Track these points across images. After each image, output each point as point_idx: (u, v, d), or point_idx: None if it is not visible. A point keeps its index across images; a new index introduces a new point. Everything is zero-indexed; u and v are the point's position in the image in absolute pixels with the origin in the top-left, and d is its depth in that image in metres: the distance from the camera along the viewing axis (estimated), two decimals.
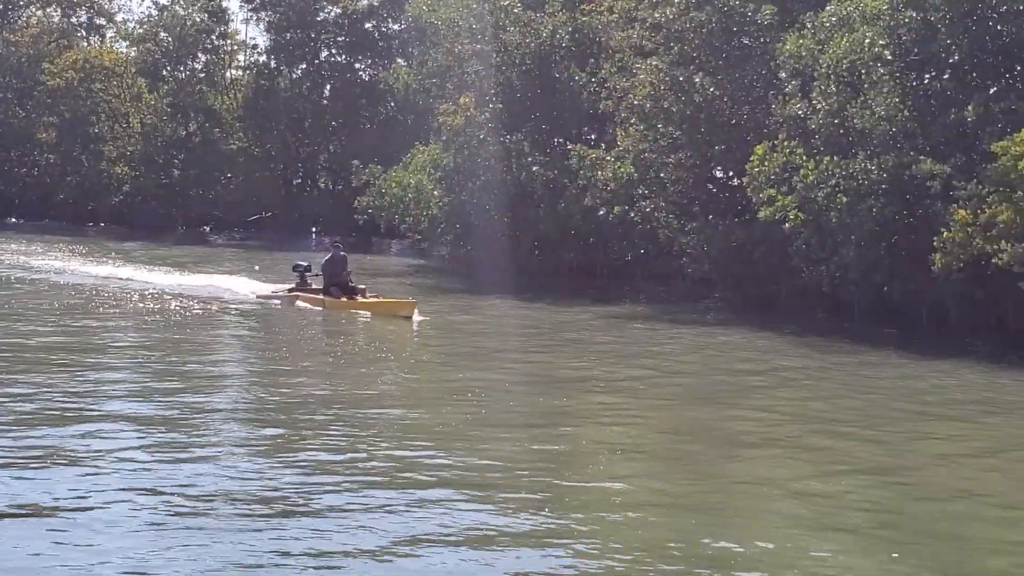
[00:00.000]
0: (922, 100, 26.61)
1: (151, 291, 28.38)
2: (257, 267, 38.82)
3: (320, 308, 25.08)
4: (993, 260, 22.85)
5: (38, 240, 45.78)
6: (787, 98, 28.46)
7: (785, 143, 27.91)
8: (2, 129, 52.53)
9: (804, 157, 27.24)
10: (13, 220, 53.97)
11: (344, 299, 24.97)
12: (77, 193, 54.55)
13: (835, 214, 26.40)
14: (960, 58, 26.54)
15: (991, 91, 26.30)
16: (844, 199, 26.17)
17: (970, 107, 25.13)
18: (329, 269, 25.83)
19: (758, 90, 31.10)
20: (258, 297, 26.92)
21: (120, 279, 31.42)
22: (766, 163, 27.86)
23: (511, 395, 17.49)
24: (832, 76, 27.02)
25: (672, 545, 9.99)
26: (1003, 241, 22.55)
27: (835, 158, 26.70)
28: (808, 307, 29.22)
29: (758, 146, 28.41)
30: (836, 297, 28.27)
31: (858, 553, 10.19)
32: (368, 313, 24.39)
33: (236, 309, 25.66)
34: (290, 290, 26.42)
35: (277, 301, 26.11)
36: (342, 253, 26.27)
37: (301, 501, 10.54)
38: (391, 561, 9.20)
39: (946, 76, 26.89)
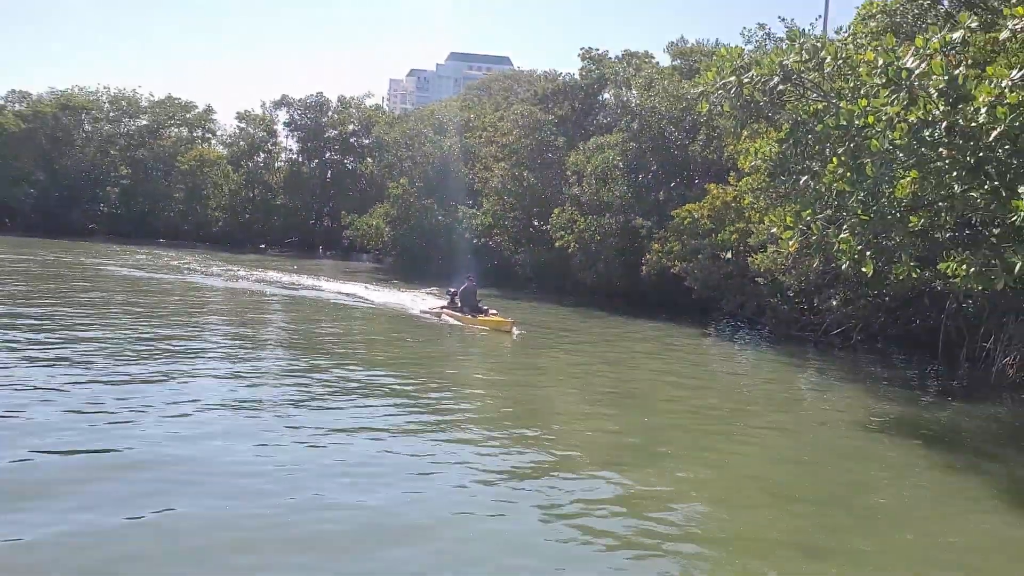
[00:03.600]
0: (638, 188, 45.59)
1: (360, 304, 38.37)
2: (295, 266, 59.21)
3: (457, 320, 33.87)
4: (671, 271, 39.17)
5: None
6: (570, 185, 46.96)
7: (569, 208, 46.47)
8: (153, 194, 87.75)
9: (579, 215, 45.60)
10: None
11: (471, 316, 33.44)
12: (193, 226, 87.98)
13: (594, 244, 44.67)
14: (656, 168, 46.36)
15: (671, 184, 45.82)
16: (598, 237, 44.52)
17: (661, 193, 44.79)
18: (465, 296, 34.60)
19: (556, 181, 50.33)
20: (421, 312, 36.07)
21: (336, 293, 42.31)
22: (560, 217, 46.42)
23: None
24: (593, 174, 45.60)
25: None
26: (676, 261, 38.83)
27: (594, 217, 44.71)
28: (581, 292, 46.90)
29: (556, 209, 47.16)
30: (594, 287, 45.96)
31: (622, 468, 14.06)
32: (485, 327, 32.37)
33: (410, 319, 34.33)
34: (443, 307, 35.65)
35: (434, 317, 34.92)
36: (474, 283, 35.18)
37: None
38: None
39: (649, 176, 46.57)
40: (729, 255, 36.55)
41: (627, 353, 27.18)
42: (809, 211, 17.62)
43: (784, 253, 27.64)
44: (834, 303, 32.33)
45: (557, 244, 46.07)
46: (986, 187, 15.27)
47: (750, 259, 32.58)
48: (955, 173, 15.41)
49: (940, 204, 17.12)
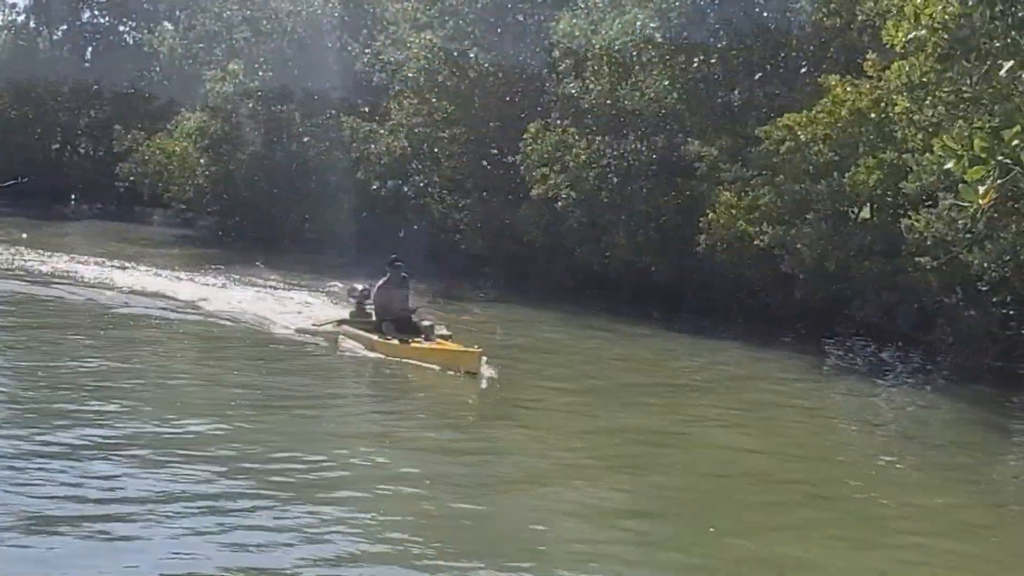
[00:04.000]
0: (690, 83, 29.52)
1: (173, 317, 24.17)
2: (24, 235, 40.21)
3: (367, 350, 20.30)
4: (755, 242, 25.68)
5: None
6: (560, 76, 31.33)
7: (558, 122, 30.73)
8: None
9: (576, 136, 30.04)
10: None
11: (396, 341, 19.97)
12: None
13: (606, 194, 29.33)
14: (727, 43, 29.40)
15: (756, 76, 29.62)
16: (615, 179, 29.28)
17: (736, 91, 28.76)
18: (383, 298, 21.03)
19: (533, 68, 33.75)
20: (299, 331, 22.04)
21: (122, 291, 27.38)
22: (539, 141, 30.42)
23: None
24: (604, 57, 29.70)
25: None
26: (765, 223, 25.41)
27: (606, 138, 29.69)
28: (579, 286, 31.83)
29: (532, 124, 31.19)
30: (606, 276, 30.75)
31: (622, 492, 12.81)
32: (430, 363, 19.35)
33: (276, 343, 21.26)
34: (341, 321, 21.80)
35: (325, 339, 21.30)
36: (403, 274, 21.19)
37: None
38: None
39: (713, 60, 29.62)
40: (866, 213, 26.00)
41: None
42: (1017, 130, 10.02)
43: (971, 210, 22.22)
44: None
45: (533, 192, 30.58)
46: None
47: (905, 222, 21.76)
48: None
49: None
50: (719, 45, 30.24)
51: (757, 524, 11.98)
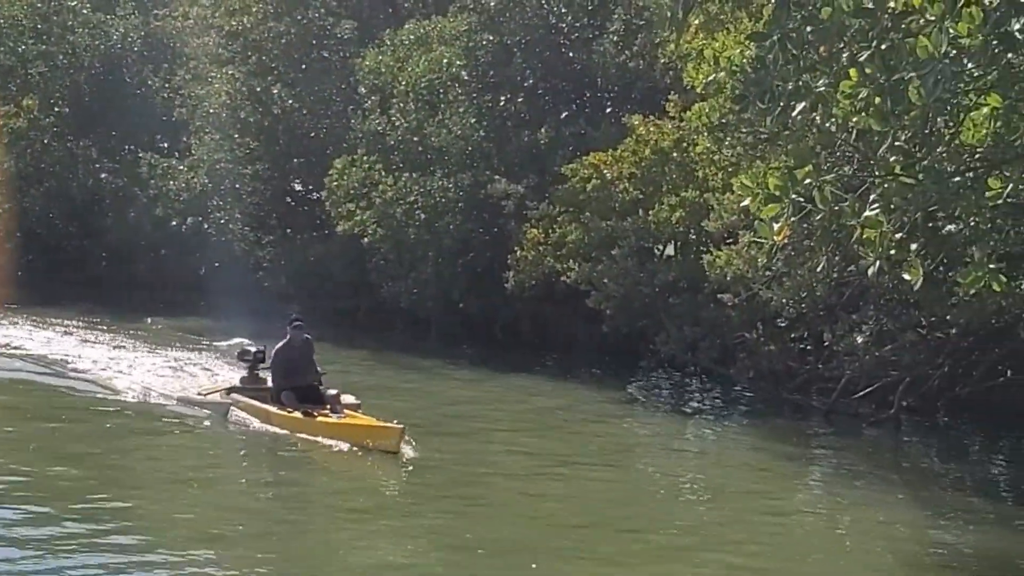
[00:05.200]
0: (498, 121, 30.33)
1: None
2: None
3: (263, 423, 18.08)
4: (563, 278, 26.43)
5: None
6: (366, 113, 31.19)
7: (364, 158, 30.56)
8: None
9: (383, 172, 30.08)
10: None
11: (299, 414, 17.62)
12: None
13: (413, 230, 29.46)
14: (534, 82, 30.67)
15: (562, 115, 30.69)
16: (422, 216, 29.38)
17: (543, 130, 29.50)
18: (282, 363, 18.41)
19: (338, 104, 33.74)
20: (179, 400, 19.87)
21: None
22: (345, 177, 30.40)
23: None
24: (411, 94, 30.06)
25: None
26: (571, 260, 26.26)
27: (413, 175, 29.77)
28: (387, 323, 31.78)
29: (337, 160, 31.01)
30: (414, 313, 30.88)
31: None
32: (333, 441, 17.13)
33: (131, 425, 18.51)
34: (229, 390, 19.32)
35: (214, 410, 19.05)
36: (305, 336, 18.70)
37: None
38: None
39: (520, 99, 30.77)
40: (670, 250, 27.57)
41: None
42: (809, 169, 9.59)
43: (767, 246, 21.83)
44: (859, 340, 21.46)
45: (339, 228, 30.63)
46: None
47: (707, 258, 22.64)
48: None
49: None
50: (526, 84, 30.84)
51: (573, 560, 12.22)
